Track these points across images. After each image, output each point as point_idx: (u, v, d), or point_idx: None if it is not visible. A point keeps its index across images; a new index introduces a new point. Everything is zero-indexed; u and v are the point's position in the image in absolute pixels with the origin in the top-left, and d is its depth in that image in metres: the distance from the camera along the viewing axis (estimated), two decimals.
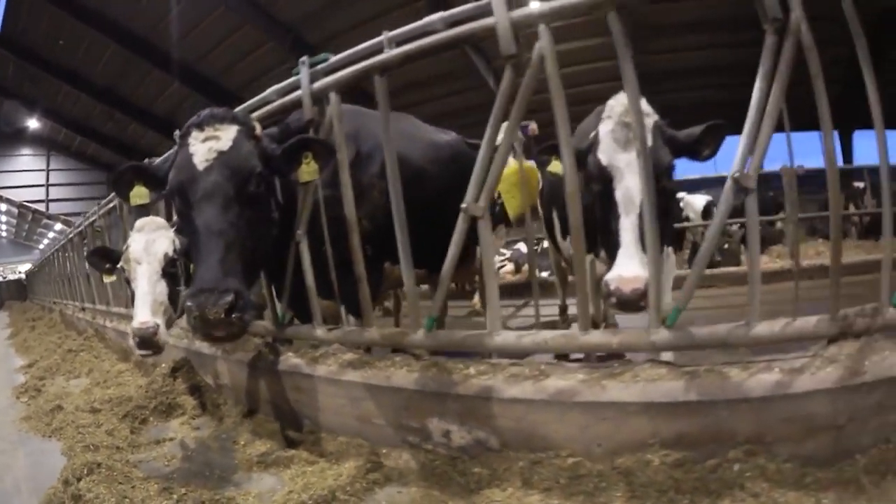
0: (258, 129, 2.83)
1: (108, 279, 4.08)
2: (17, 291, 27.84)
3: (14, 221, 40.29)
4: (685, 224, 11.50)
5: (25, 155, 35.39)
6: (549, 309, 5.39)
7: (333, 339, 3.28)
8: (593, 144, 2.81)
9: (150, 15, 20.47)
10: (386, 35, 2.90)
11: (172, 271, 3.39)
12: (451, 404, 2.57)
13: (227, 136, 2.65)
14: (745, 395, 2.10)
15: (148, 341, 3.11)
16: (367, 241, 3.20)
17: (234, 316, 2.36)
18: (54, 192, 35.79)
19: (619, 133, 2.72)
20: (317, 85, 3.11)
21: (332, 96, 3.05)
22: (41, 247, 44.30)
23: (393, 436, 2.78)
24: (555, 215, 4.58)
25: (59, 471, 2.93)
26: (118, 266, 3.65)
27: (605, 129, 2.79)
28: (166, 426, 3.81)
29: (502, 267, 12.14)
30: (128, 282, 3.52)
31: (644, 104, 2.75)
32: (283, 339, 3.71)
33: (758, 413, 2.10)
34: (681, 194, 12.65)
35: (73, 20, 21.31)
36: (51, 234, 41.89)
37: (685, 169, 26.60)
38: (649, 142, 2.63)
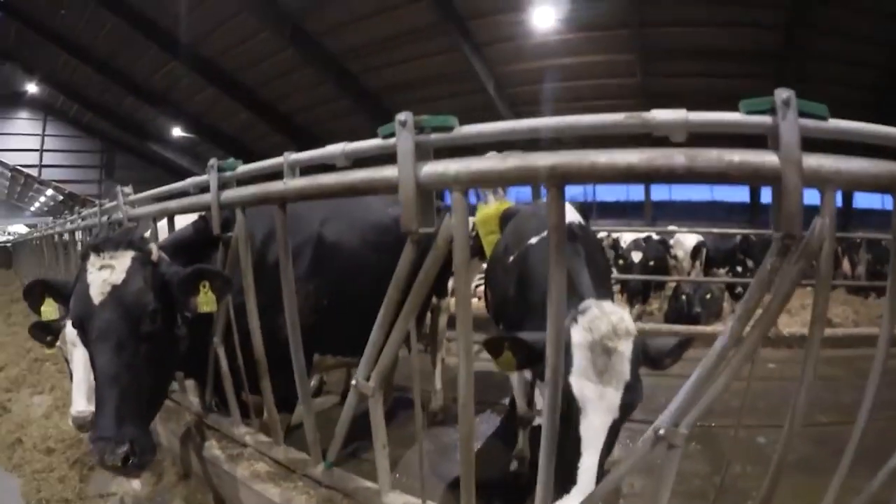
0: (155, 253, 2.71)
1: (49, 351, 4.30)
2: (3, 258, 27.52)
3: (6, 183, 40.10)
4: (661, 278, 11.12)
5: (22, 118, 34.92)
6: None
7: (248, 444, 3.38)
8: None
9: None
10: (286, 157, 2.64)
11: None
12: None
13: (121, 265, 2.57)
14: None
15: (85, 428, 3.25)
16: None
17: (130, 462, 2.40)
18: (48, 158, 35.33)
19: (598, 360, 2.27)
20: (224, 197, 2.94)
21: (238, 215, 2.86)
22: (32, 209, 44.36)
23: None
24: (487, 291, 4.36)
25: None
26: (58, 344, 3.65)
27: (581, 343, 2.32)
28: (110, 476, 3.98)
29: (480, 285, 11.83)
30: (66, 361, 3.60)
31: (626, 316, 2.39)
32: None
33: None
34: (671, 227, 12.36)
35: None
36: (42, 199, 41.86)
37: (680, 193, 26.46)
38: (627, 376, 2.27)
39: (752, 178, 1.67)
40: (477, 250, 6.45)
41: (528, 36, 17.10)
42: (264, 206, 3.00)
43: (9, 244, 29.67)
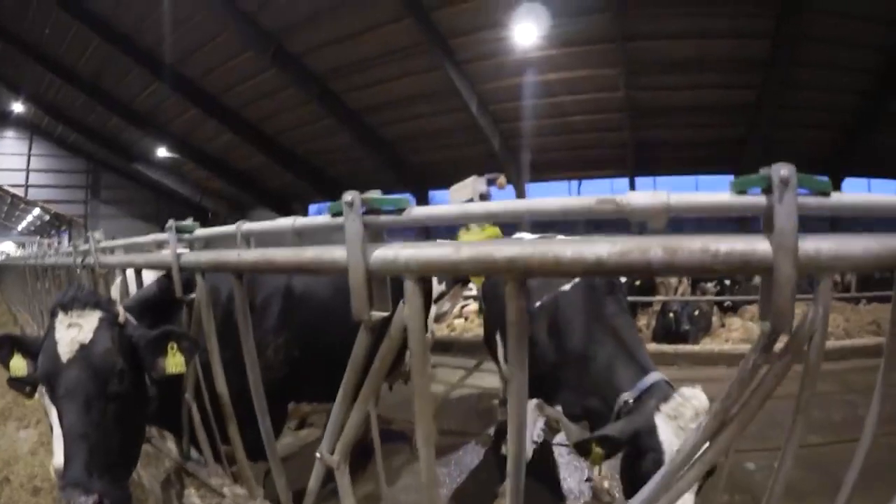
0: (121, 314, 2.68)
1: (28, 402, 4.20)
2: None
3: None
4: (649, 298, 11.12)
5: (8, 138, 34.66)
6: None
7: (224, 494, 3.32)
8: (647, 442, 2.56)
9: (134, 13, 20.00)
10: (239, 227, 2.57)
11: None
12: None
13: (88, 325, 2.55)
14: None
15: None
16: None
17: None
18: (34, 178, 35.17)
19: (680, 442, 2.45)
20: (183, 260, 2.86)
21: (198, 279, 2.80)
22: (20, 228, 44.21)
23: None
24: (498, 337, 4.31)
25: None
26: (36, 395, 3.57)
27: (668, 430, 2.54)
28: None
29: (466, 306, 11.71)
30: (46, 413, 3.62)
31: (701, 395, 2.59)
32: None
33: None
34: None
35: (59, 10, 20.71)
36: (28, 218, 41.72)
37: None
38: None
39: (741, 270, 1.45)
40: (462, 276, 6.49)
41: (510, 53, 17.04)
42: None
43: None
